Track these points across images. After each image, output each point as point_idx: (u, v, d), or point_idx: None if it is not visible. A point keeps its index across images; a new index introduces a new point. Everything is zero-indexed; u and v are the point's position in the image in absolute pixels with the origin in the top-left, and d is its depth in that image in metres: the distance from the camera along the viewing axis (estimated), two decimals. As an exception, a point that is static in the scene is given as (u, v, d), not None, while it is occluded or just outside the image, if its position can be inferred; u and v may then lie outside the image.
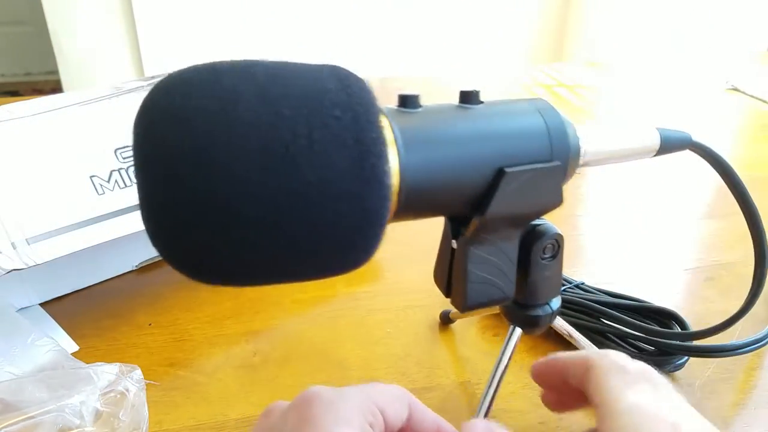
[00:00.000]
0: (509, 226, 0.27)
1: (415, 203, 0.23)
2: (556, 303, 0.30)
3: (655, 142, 0.30)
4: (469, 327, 0.43)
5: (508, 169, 0.24)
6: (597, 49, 2.45)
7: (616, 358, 0.26)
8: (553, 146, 0.26)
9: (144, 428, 0.32)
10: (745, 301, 0.35)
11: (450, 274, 0.28)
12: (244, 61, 0.21)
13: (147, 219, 0.20)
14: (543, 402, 0.31)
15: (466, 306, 0.27)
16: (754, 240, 0.35)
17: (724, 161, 0.34)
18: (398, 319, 0.44)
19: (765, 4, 1.78)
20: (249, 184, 0.18)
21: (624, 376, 0.25)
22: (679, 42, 2.11)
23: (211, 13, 2.22)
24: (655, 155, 0.31)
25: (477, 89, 0.26)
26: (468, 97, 0.26)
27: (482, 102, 0.26)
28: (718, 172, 0.35)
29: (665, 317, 0.41)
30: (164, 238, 0.20)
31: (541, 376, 0.30)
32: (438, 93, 0.96)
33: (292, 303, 0.45)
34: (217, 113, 0.19)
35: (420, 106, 0.24)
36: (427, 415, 0.26)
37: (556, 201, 0.27)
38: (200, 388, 0.38)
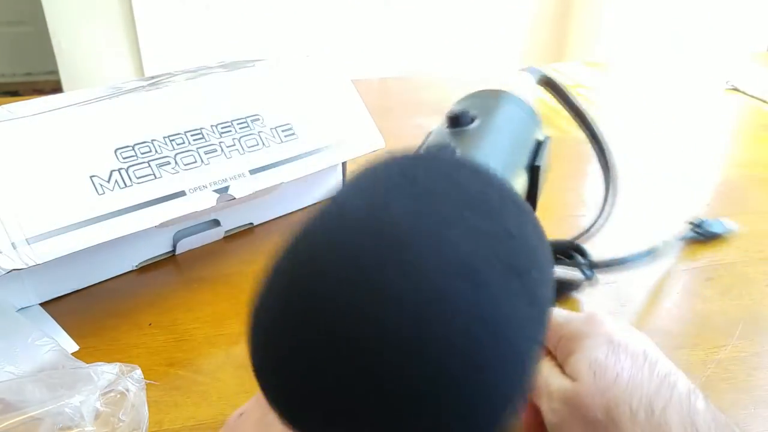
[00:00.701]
0: None
1: None
2: None
3: (533, 84, 0.35)
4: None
5: (538, 163, 0.27)
6: (597, 49, 2.45)
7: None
8: (537, 126, 0.29)
9: (144, 428, 0.32)
10: (600, 210, 0.40)
11: None
12: (374, 190, 0.17)
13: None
14: None
15: None
16: (597, 154, 0.39)
17: (557, 82, 0.38)
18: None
19: (765, 4, 1.78)
20: (523, 320, 0.16)
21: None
22: (679, 42, 2.11)
23: (211, 13, 2.22)
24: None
25: (465, 110, 0.27)
26: (460, 120, 0.26)
27: (473, 119, 0.26)
28: (552, 93, 0.38)
29: (567, 248, 0.44)
30: None
31: None
32: (439, 93, 0.96)
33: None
34: (452, 271, 0.15)
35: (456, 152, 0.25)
36: None
37: (547, 168, 0.30)
38: (200, 388, 0.38)
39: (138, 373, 0.34)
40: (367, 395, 0.13)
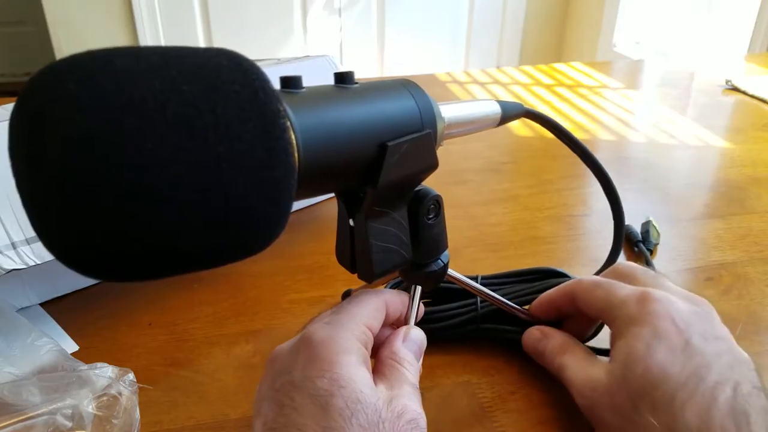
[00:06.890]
0: (398, 195, 0.30)
1: (311, 179, 0.24)
2: (446, 256, 0.33)
3: (497, 112, 0.35)
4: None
5: (389, 143, 0.27)
6: (597, 49, 2.45)
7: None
8: (423, 117, 0.29)
9: (135, 431, 0.32)
10: (610, 251, 0.42)
11: (353, 251, 0.30)
12: (131, 46, 0.21)
13: (50, 219, 0.18)
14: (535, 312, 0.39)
15: (374, 276, 0.30)
16: (607, 194, 0.40)
17: (557, 124, 0.38)
18: (398, 319, 0.44)
19: (765, 5, 1.78)
20: (161, 162, 0.18)
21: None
22: (679, 42, 2.12)
23: (211, 14, 2.23)
24: (499, 124, 0.35)
25: (351, 70, 0.28)
26: (344, 78, 0.27)
27: (356, 83, 0.28)
28: (555, 134, 0.39)
29: (550, 275, 0.43)
30: (75, 238, 0.18)
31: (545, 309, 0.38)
32: (439, 92, 0.96)
33: (290, 303, 0.45)
34: (116, 94, 0.18)
35: (303, 88, 0.25)
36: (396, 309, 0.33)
37: (432, 164, 0.30)
38: (200, 388, 0.38)
39: (131, 376, 0.34)
40: None
